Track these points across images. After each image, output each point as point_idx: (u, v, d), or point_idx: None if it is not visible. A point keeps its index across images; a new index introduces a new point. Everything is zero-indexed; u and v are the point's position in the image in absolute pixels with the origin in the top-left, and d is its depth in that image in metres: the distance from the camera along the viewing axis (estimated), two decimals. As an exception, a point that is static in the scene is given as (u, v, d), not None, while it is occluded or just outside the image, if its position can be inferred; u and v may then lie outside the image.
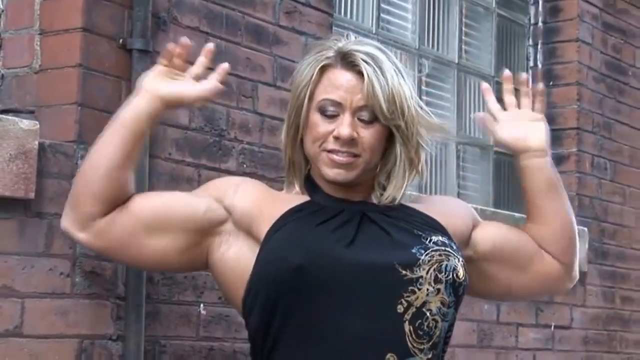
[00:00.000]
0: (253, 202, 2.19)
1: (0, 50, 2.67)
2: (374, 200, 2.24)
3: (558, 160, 4.51)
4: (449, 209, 2.33)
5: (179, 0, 2.79)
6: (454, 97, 4.35)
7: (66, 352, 2.43)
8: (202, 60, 2.26)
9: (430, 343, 2.10)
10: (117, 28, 2.61)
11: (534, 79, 4.63)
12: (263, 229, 2.14)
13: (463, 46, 4.42)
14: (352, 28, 3.75)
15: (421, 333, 2.09)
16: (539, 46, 4.66)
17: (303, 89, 2.18)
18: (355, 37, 2.24)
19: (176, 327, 2.71)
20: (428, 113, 2.24)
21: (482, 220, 2.43)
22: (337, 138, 2.15)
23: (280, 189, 2.32)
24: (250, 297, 2.12)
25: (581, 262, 3.31)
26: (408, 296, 2.08)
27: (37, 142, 2.38)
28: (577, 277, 2.55)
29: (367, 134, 2.17)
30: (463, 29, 4.42)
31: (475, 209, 2.49)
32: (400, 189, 2.22)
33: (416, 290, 2.09)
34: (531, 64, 4.68)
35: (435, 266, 2.11)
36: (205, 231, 2.21)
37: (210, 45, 2.28)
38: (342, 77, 2.17)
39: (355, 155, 2.16)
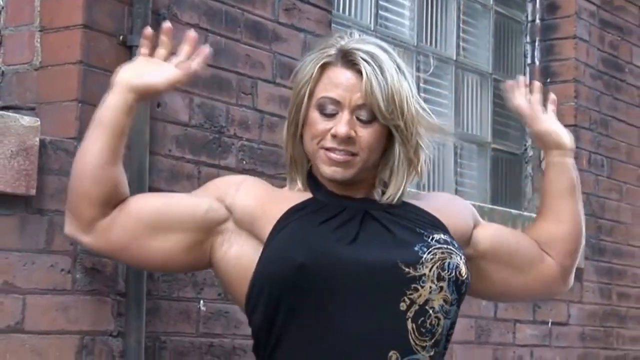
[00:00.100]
0: (255, 201, 2.19)
1: (0, 47, 2.68)
2: (376, 197, 2.23)
3: (555, 157, 4.52)
4: (450, 208, 2.33)
5: (178, -3, 2.80)
6: (451, 94, 4.36)
7: (67, 348, 2.44)
8: (185, 48, 2.25)
9: (433, 340, 2.11)
10: (118, 25, 2.62)
11: (532, 76, 4.64)
12: (266, 228, 2.14)
13: (461, 43, 4.43)
14: (350, 25, 3.76)
15: (424, 331, 2.09)
16: (537, 43, 4.67)
17: (304, 86, 2.18)
18: (360, 35, 2.23)
19: (176, 323, 2.72)
20: (429, 113, 2.23)
21: (483, 220, 2.45)
22: (334, 136, 2.15)
23: (280, 186, 2.32)
24: (254, 295, 2.12)
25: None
26: (411, 294, 2.09)
27: (38, 139, 2.39)
28: (572, 283, 2.58)
29: (365, 133, 2.16)
30: (461, 26, 4.43)
31: (473, 205, 2.50)
32: (399, 190, 2.21)
33: (419, 288, 2.09)
34: (528, 61, 4.69)
35: (438, 264, 2.12)
36: (207, 231, 2.21)
37: (192, 33, 2.26)
38: (342, 76, 2.17)
39: (353, 154, 2.16)
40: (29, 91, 2.60)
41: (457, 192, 4.27)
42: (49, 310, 2.41)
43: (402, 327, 2.08)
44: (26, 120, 2.38)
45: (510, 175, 4.64)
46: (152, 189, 2.63)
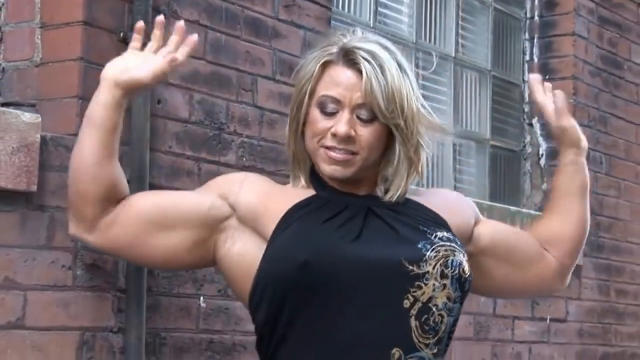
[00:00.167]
0: (258, 199, 2.19)
1: (1, 44, 2.68)
2: (379, 194, 2.23)
3: (554, 154, 4.53)
4: (451, 205, 2.33)
5: (179, -7, 2.80)
6: (450, 91, 4.36)
7: (68, 344, 2.45)
8: (173, 38, 2.24)
9: (436, 338, 2.11)
10: (118, 22, 2.62)
11: (530, 72, 4.65)
12: (269, 226, 2.14)
13: (460, 40, 4.43)
14: (350, 22, 3.77)
15: (427, 328, 2.09)
16: (535, 40, 4.68)
17: (305, 84, 2.18)
18: (362, 33, 2.22)
19: (176, 319, 2.72)
20: (430, 112, 2.23)
21: (484, 217, 2.45)
22: (334, 135, 2.14)
23: (283, 183, 2.32)
24: (257, 293, 2.12)
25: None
26: (414, 291, 2.09)
27: (39, 135, 2.39)
28: (568, 282, 2.59)
29: (366, 132, 2.16)
30: (460, 23, 4.44)
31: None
32: (400, 188, 2.21)
33: (422, 285, 2.09)
34: (527, 57, 4.70)
35: (441, 261, 2.12)
36: (210, 228, 2.21)
37: (181, 23, 2.25)
38: (342, 75, 2.16)
39: (353, 153, 2.16)
40: (30, 88, 2.61)
41: (455, 188, 4.27)
42: (49, 306, 2.42)
43: (406, 324, 2.08)
44: (27, 116, 2.38)
45: (508, 172, 4.65)
46: (153, 186, 2.64)
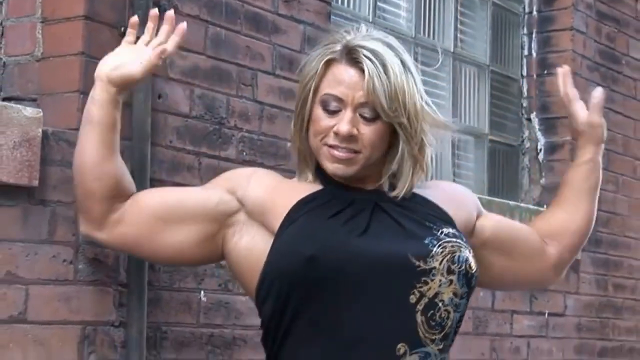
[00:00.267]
0: (266, 193, 2.20)
1: (2, 38, 2.68)
2: (385, 189, 2.23)
3: (552, 148, 4.54)
4: (455, 199, 2.33)
5: (179, -12, 2.80)
6: (449, 86, 4.37)
7: (69, 338, 2.45)
8: (164, 28, 2.25)
9: (442, 334, 2.12)
10: (119, 16, 2.62)
11: (529, 67, 4.66)
12: (276, 220, 2.14)
13: (458, 35, 4.44)
14: (349, 17, 3.77)
15: (433, 324, 2.10)
16: (534, 35, 4.68)
17: (309, 82, 2.18)
18: (367, 30, 2.22)
19: (177, 313, 2.73)
20: (434, 110, 2.23)
21: (485, 210, 2.46)
22: (337, 134, 2.15)
23: (288, 177, 2.33)
24: (264, 287, 2.13)
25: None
26: (421, 287, 2.09)
27: (40, 130, 2.39)
28: (563, 276, 2.61)
29: (368, 131, 2.16)
30: (458, 17, 4.44)
31: (471, 196, 2.52)
32: (405, 187, 2.21)
33: (429, 281, 2.10)
34: (526, 52, 4.70)
35: (448, 257, 2.12)
36: (218, 223, 2.22)
37: (170, 13, 2.27)
38: (345, 73, 2.16)
39: (356, 152, 2.16)
40: (31, 82, 2.61)
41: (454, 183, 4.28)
42: (51, 300, 2.42)
43: (412, 319, 2.08)
44: (29, 111, 2.38)
45: (507, 167, 4.65)
46: (153, 180, 2.64)
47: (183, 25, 2.25)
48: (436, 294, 2.10)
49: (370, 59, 2.14)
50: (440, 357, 2.12)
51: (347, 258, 2.07)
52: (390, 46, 2.19)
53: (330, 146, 2.16)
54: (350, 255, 2.07)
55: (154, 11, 2.27)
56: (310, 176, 2.25)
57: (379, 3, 4.01)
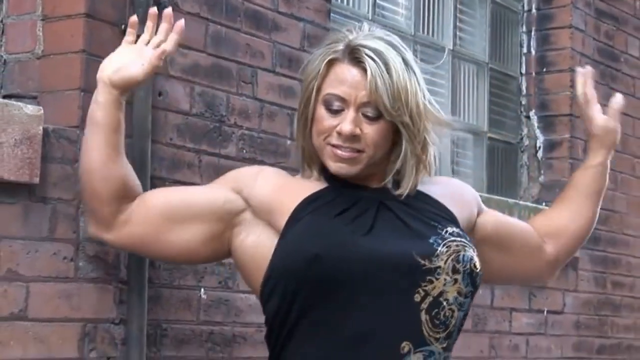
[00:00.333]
0: (272, 192, 2.20)
1: (2, 36, 2.68)
2: (390, 187, 2.23)
3: (551, 146, 4.55)
4: (458, 197, 2.34)
5: (179, -14, 2.80)
6: (448, 83, 4.37)
7: (70, 336, 2.45)
8: (162, 26, 2.25)
9: (446, 332, 2.13)
10: (120, 14, 2.62)
11: (527, 65, 4.66)
12: (282, 219, 2.15)
13: (457, 33, 4.44)
14: (349, 15, 3.78)
15: (437, 322, 2.11)
16: (533, 33, 4.68)
17: (311, 81, 2.18)
18: (369, 29, 2.22)
19: (177, 311, 2.73)
20: (437, 108, 2.23)
21: (485, 207, 2.47)
22: (340, 133, 2.15)
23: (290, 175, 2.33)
24: (269, 285, 2.14)
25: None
26: (425, 286, 2.09)
27: (41, 128, 2.39)
28: (556, 275, 2.63)
29: (371, 130, 2.16)
30: (457, 15, 4.44)
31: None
32: (409, 186, 2.21)
33: (434, 280, 2.10)
34: (525, 50, 4.70)
35: (453, 256, 2.12)
36: (224, 222, 2.22)
37: (168, 10, 2.27)
38: (348, 73, 2.16)
39: (359, 151, 2.16)
40: (31, 80, 2.61)
41: (453, 181, 4.28)
42: (52, 297, 2.42)
43: (416, 318, 2.09)
44: (30, 109, 2.38)
45: (506, 165, 4.66)
46: (154, 178, 2.65)
47: (181, 22, 2.26)
48: (441, 293, 2.11)
49: (372, 59, 2.14)
50: (443, 356, 2.13)
51: (352, 257, 2.07)
52: (392, 45, 2.19)
53: (334, 145, 2.16)
54: (355, 255, 2.08)
55: (153, 10, 2.27)
56: (315, 174, 2.25)
57: (378, 1, 4.02)
